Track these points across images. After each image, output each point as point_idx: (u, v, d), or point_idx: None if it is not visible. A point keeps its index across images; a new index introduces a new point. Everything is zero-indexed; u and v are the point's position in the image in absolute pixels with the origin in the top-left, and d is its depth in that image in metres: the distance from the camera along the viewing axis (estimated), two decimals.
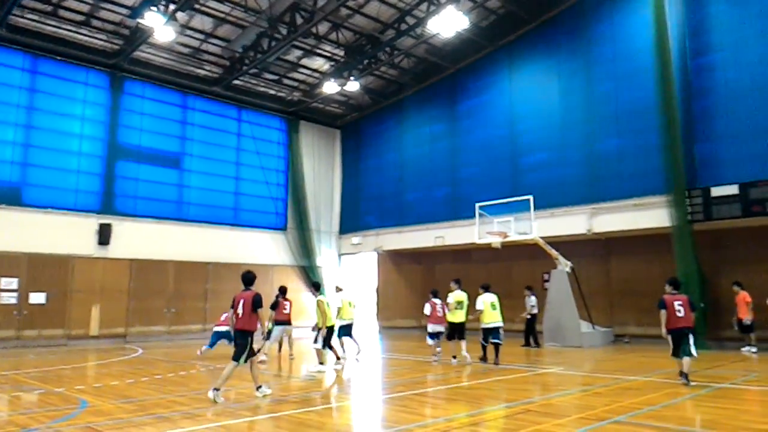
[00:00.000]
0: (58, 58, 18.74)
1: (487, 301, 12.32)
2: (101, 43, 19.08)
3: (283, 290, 13.39)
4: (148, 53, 19.95)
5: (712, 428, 6.19)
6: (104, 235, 18.87)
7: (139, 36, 18.25)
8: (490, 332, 12.18)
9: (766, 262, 14.86)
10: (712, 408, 7.40)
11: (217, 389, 7.84)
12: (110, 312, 18.80)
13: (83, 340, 18.00)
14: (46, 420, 6.74)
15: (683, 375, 9.19)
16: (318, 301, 11.84)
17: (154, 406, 7.64)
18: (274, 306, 13.11)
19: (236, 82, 22.08)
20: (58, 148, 18.58)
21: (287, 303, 13.25)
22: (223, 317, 14.66)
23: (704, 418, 6.78)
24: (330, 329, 11.91)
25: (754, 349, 13.90)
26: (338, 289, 14.30)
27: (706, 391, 8.57)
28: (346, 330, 13.57)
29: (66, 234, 18.16)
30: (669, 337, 9.24)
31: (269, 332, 12.69)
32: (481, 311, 12.30)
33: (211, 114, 22.64)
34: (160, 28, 16.84)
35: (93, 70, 19.50)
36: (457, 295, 12.55)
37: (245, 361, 8.18)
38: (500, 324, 12.27)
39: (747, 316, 14.08)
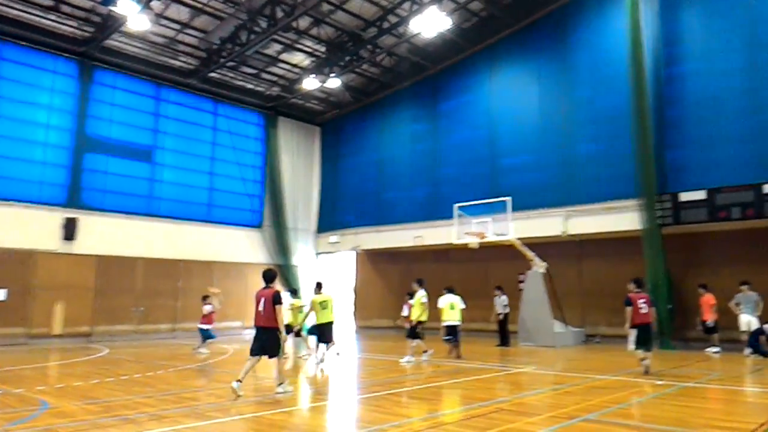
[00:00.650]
0: (24, 43, 18.08)
1: (446, 301, 13.27)
2: (71, 29, 18.46)
3: None
4: (121, 42, 19.39)
5: (677, 426, 6.31)
6: (70, 230, 18.26)
7: (111, 24, 17.74)
8: (448, 329, 13.17)
9: (731, 265, 15.22)
10: (677, 406, 7.54)
11: (281, 383, 8.41)
12: (75, 310, 18.19)
13: (45, 339, 17.37)
14: (3, 422, 6.45)
15: (646, 367, 10.31)
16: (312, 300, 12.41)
17: (119, 407, 7.40)
18: None
19: (213, 74, 21.66)
20: (22, 137, 17.90)
21: None
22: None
23: (670, 416, 6.90)
24: (318, 326, 12.25)
25: (716, 350, 14.22)
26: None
27: (671, 389, 8.78)
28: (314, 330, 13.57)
29: (29, 228, 17.53)
30: (633, 332, 10.29)
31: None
32: (441, 309, 13.49)
33: (185, 107, 22.16)
34: (134, 17, 16.41)
35: (61, 58, 18.87)
36: (422, 295, 13.18)
37: (281, 354, 8.60)
38: (457, 323, 13.36)
39: (711, 318, 14.43)
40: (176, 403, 7.71)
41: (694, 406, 7.60)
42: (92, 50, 18.96)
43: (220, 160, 23.06)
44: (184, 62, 21.18)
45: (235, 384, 8.01)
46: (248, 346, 8.59)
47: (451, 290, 13.67)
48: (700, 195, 14.87)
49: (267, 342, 8.38)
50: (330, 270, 25.83)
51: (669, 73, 16.17)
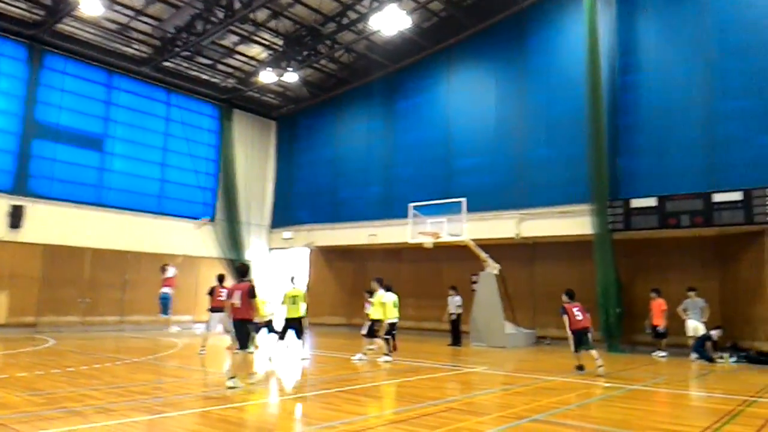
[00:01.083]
0: None
1: (391, 299, 13.42)
2: (20, 12, 17.68)
3: (220, 278, 13.55)
4: (72, 27, 18.66)
5: (623, 427, 6.47)
6: (16, 218, 17.55)
7: (62, 8, 17.07)
8: (393, 326, 13.32)
9: (679, 271, 15.80)
10: (623, 408, 7.75)
11: (233, 377, 8.37)
12: (19, 300, 17.50)
13: None
14: None
15: (580, 368, 11.09)
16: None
17: (64, 399, 7.16)
18: (211, 292, 13.28)
19: (167, 63, 21.08)
20: None
21: (223, 290, 13.13)
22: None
23: (616, 418, 7.08)
24: (286, 320, 12.45)
25: (663, 354, 14.61)
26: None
27: (619, 392, 9.01)
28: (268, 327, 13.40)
29: None
30: (572, 337, 11.10)
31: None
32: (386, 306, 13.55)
33: (137, 95, 21.53)
34: (87, 1, 15.86)
35: (9, 41, 18.06)
36: (382, 294, 13.27)
37: (248, 348, 8.82)
38: (398, 320, 13.61)
39: (662, 324, 14.77)
40: (124, 396, 7.51)
41: (640, 409, 7.79)
42: (42, 34, 18.23)
43: (173, 151, 22.50)
44: (137, 50, 20.54)
45: (228, 382, 8.33)
46: (198, 341, 8.46)
47: (389, 288, 13.67)
48: (650, 202, 15.20)
49: (240, 334, 8.58)
50: (283, 266, 25.53)
51: (624, 81, 16.57)
